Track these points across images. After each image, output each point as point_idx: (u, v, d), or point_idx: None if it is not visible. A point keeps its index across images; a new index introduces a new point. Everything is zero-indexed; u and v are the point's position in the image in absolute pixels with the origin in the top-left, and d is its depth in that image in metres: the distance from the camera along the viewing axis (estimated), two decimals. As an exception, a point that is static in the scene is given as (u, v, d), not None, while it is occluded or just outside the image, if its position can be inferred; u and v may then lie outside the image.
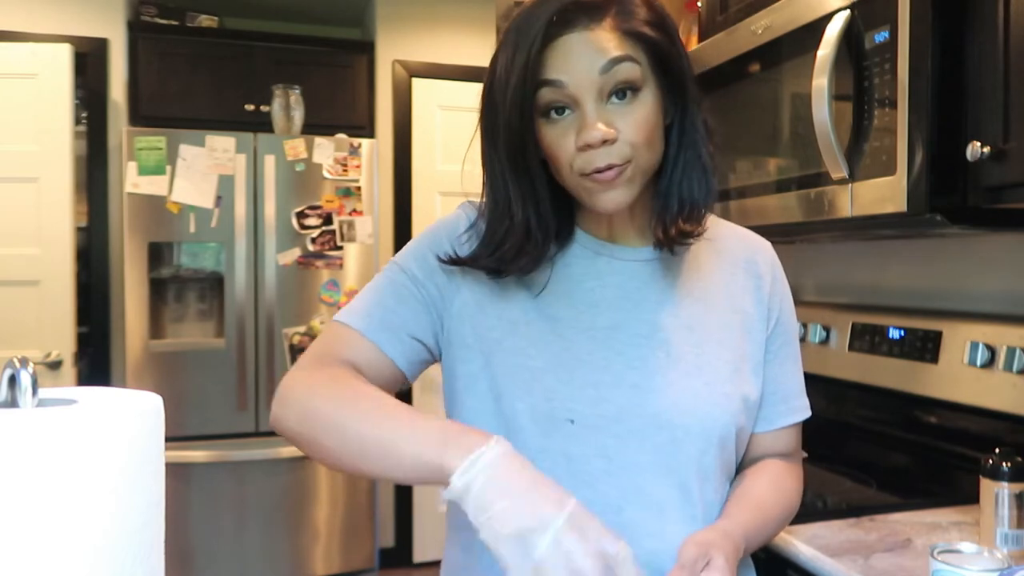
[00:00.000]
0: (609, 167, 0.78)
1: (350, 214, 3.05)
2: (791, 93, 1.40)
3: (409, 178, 3.53)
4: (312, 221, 3.01)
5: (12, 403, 0.41)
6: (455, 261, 0.85)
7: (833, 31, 1.24)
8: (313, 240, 3.01)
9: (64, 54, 2.83)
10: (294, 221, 2.99)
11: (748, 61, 1.53)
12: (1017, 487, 1.02)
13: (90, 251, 3.17)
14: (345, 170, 3.04)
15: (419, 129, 3.53)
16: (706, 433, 0.84)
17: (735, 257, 0.93)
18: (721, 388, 0.85)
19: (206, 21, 3.42)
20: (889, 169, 1.17)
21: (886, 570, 0.99)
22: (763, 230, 1.58)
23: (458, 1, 3.57)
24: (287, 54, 3.40)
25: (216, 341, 2.94)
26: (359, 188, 3.06)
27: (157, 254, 2.93)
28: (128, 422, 0.41)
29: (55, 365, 2.80)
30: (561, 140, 0.80)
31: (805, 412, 0.95)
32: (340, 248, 3.04)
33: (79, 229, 3.00)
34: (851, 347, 1.71)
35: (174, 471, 2.75)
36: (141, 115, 3.20)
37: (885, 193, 1.18)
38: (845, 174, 1.24)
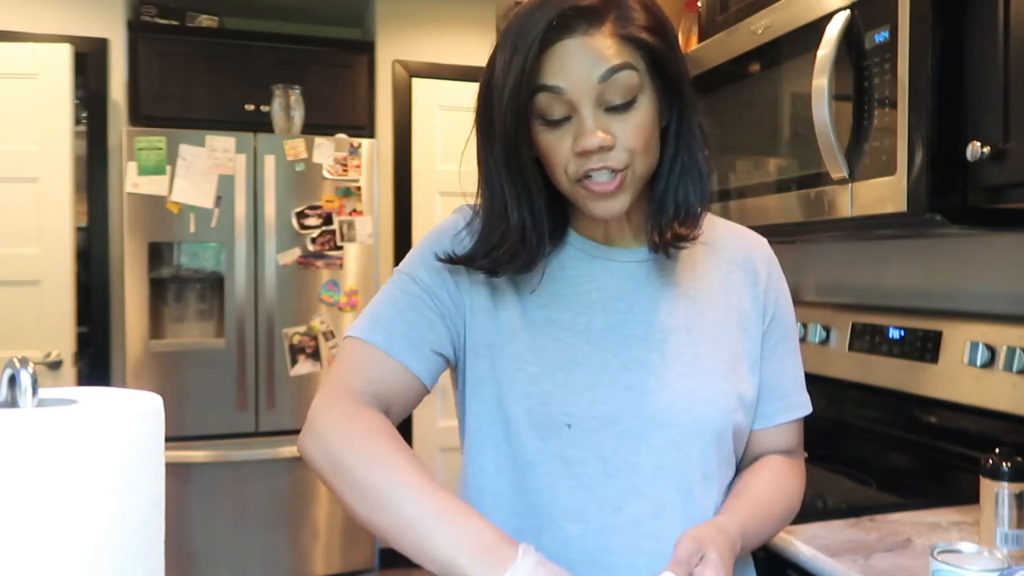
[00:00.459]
0: (605, 168, 0.78)
1: (350, 214, 3.05)
2: (791, 93, 1.40)
3: (409, 178, 3.53)
4: (312, 221, 3.01)
5: (12, 403, 0.41)
6: (452, 260, 0.85)
7: (833, 31, 1.24)
8: (313, 240, 3.01)
9: (64, 54, 2.83)
10: (294, 221, 2.99)
11: (748, 61, 1.52)
12: (1017, 487, 1.02)
13: (90, 251, 3.17)
14: (345, 170, 3.04)
15: (419, 129, 3.53)
16: (703, 432, 0.84)
17: (731, 255, 0.93)
18: (718, 387, 0.85)
19: (206, 21, 3.42)
20: (889, 169, 1.17)
21: (886, 570, 0.99)
22: (763, 230, 1.57)
23: (458, 1, 3.57)
24: (287, 54, 3.40)
25: (216, 341, 2.94)
26: (359, 188, 3.06)
27: (157, 254, 2.93)
28: (128, 422, 0.41)
29: (55, 365, 2.80)
30: (557, 145, 0.80)
31: (806, 408, 0.95)
32: (340, 248, 3.04)
33: (79, 229, 3.00)
34: (851, 347, 1.71)
35: (174, 471, 2.75)
36: (141, 115, 3.20)
37: (885, 193, 1.18)
38: (845, 174, 1.24)
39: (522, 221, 0.82)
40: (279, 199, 2.97)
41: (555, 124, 0.79)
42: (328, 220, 3.03)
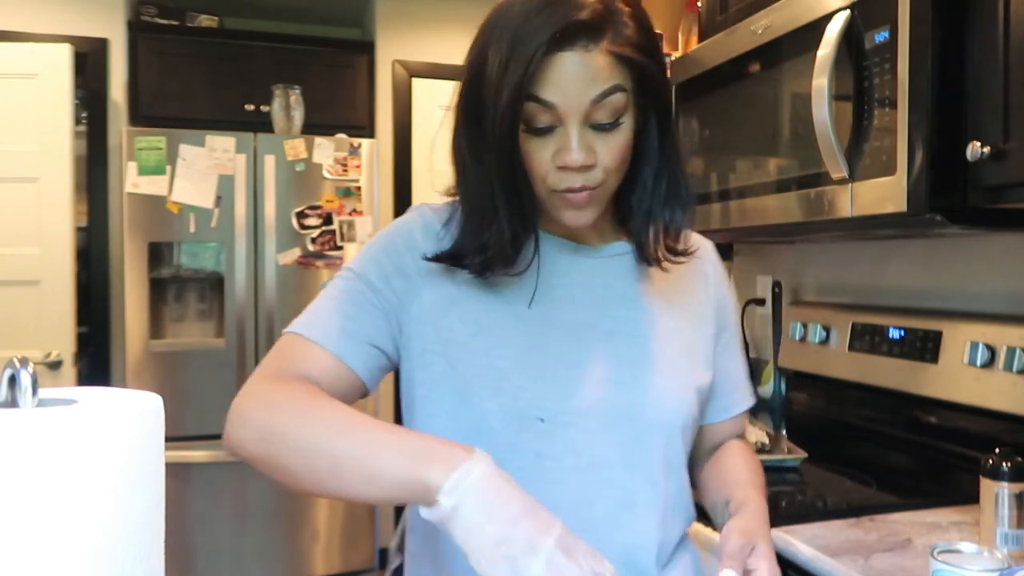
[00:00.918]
0: (583, 188, 0.80)
1: (350, 214, 3.05)
2: (791, 93, 1.40)
3: (409, 178, 3.53)
4: (312, 221, 3.01)
5: (12, 403, 0.41)
6: (440, 258, 0.84)
7: (833, 31, 1.24)
8: (313, 240, 3.01)
9: (64, 54, 2.83)
10: (294, 221, 2.99)
11: (748, 61, 1.53)
12: (1017, 487, 1.02)
13: (90, 251, 3.17)
14: (345, 170, 3.04)
15: (419, 129, 3.53)
16: (670, 425, 0.87)
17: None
18: (681, 381, 0.89)
19: (206, 21, 3.42)
20: (889, 169, 1.17)
21: (886, 570, 0.99)
22: (763, 230, 1.58)
23: (458, 1, 3.57)
24: (287, 54, 3.39)
25: (216, 341, 2.94)
26: (359, 188, 3.06)
27: (157, 254, 2.93)
28: (128, 422, 0.41)
29: (55, 365, 2.80)
30: (538, 153, 0.80)
31: (753, 398, 1.04)
32: (340, 248, 3.04)
33: (79, 229, 3.00)
34: (851, 347, 1.71)
35: (174, 471, 2.75)
36: (141, 115, 3.20)
37: (885, 193, 1.18)
38: (845, 174, 1.24)
39: (512, 223, 0.82)
40: (279, 199, 2.97)
41: (538, 132, 0.79)
42: (328, 220, 3.03)
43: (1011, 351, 1.34)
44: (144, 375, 2.84)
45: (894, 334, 1.60)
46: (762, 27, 1.47)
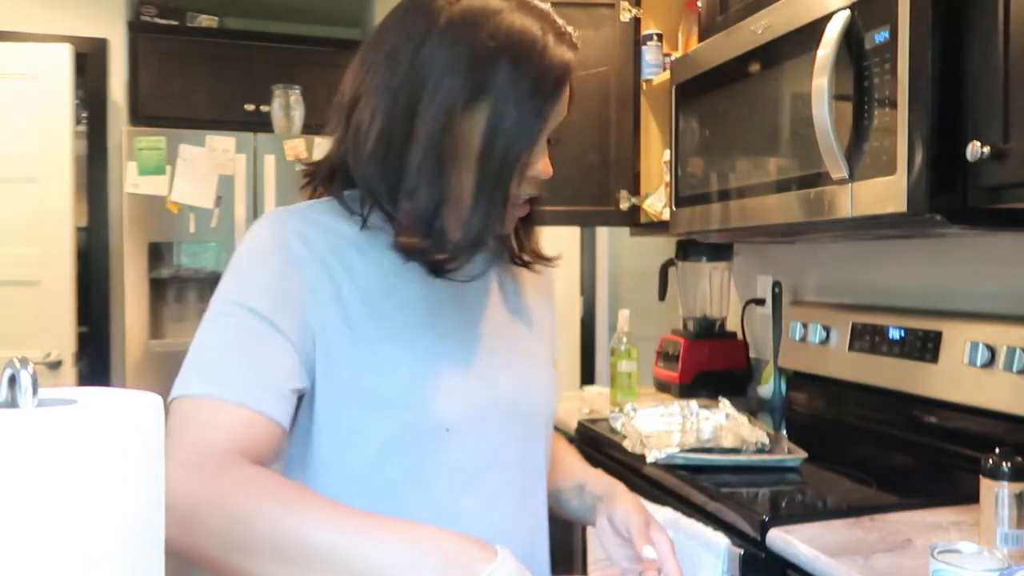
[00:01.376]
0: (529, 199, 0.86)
1: (350, 214, 3.04)
2: (791, 93, 1.40)
3: (409, 178, 3.53)
4: (312, 221, 3.01)
5: (12, 403, 0.41)
6: (409, 246, 0.80)
7: (833, 31, 1.24)
8: (313, 240, 3.01)
9: (64, 54, 2.83)
10: (294, 221, 2.99)
11: (748, 61, 1.52)
12: (1017, 487, 1.02)
13: (90, 251, 3.17)
14: (345, 170, 3.04)
15: (419, 129, 3.52)
16: (547, 419, 0.94)
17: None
18: (547, 378, 0.94)
19: (206, 21, 3.42)
20: (889, 169, 1.17)
21: (886, 570, 0.99)
22: (763, 230, 1.58)
23: (458, 1, 3.56)
24: (287, 54, 3.39)
25: (216, 341, 2.93)
26: (359, 188, 3.06)
27: (157, 254, 2.93)
28: (128, 422, 0.41)
29: (55, 365, 2.79)
30: (537, 164, 0.85)
31: None
32: (340, 248, 3.04)
33: (79, 229, 3.00)
34: (851, 347, 1.71)
35: (174, 471, 2.74)
36: (141, 115, 3.20)
37: (885, 193, 1.18)
38: (845, 174, 1.24)
39: (493, 229, 0.83)
40: (279, 199, 2.97)
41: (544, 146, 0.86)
42: (328, 220, 3.02)
43: (1011, 351, 1.34)
44: (144, 375, 2.84)
45: (894, 334, 1.60)
46: (762, 27, 1.47)
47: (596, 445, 1.71)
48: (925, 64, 1.13)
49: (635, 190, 2.24)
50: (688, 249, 2.22)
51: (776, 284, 1.98)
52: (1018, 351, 1.32)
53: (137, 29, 3.24)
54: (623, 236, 2.86)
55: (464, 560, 0.62)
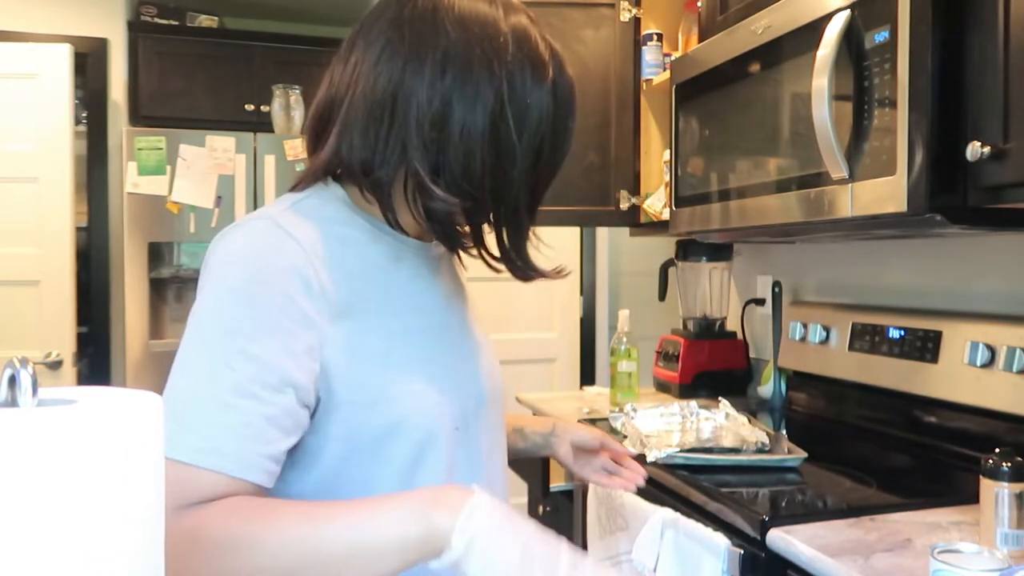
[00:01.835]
0: None
1: (350, 214, 3.04)
2: (791, 93, 1.40)
3: (409, 178, 3.53)
4: (312, 221, 3.01)
5: (12, 403, 0.41)
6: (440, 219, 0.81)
7: (833, 31, 1.24)
8: (313, 240, 3.01)
9: (64, 54, 2.83)
10: (294, 221, 2.99)
11: (748, 61, 1.52)
12: (1017, 487, 1.02)
13: (90, 251, 3.17)
14: (345, 170, 3.04)
15: (419, 129, 3.52)
16: (506, 400, 0.98)
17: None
18: (497, 361, 0.98)
19: (206, 21, 3.42)
20: (889, 169, 1.17)
21: (886, 570, 0.99)
22: (763, 230, 1.58)
23: (458, 1, 3.56)
24: (287, 54, 3.39)
25: (216, 341, 2.93)
26: (359, 188, 3.06)
27: (157, 254, 2.93)
28: (128, 422, 0.41)
29: (55, 365, 2.80)
30: None
31: None
32: (340, 248, 3.04)
33: (79, 229, 3.00)
34: (851, 347, 1.71)
35: (174, 471, 2.74)
36: (141, 115, 3.20)
37: (885, 193, 1.18)
38: (845, 174, 1.24)
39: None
40: (279, 199, 2.97)
41: None
42: (328, 220, 3.02)
43: (1011, 351, 1.34)
44: (144, 375, 2.84)
45: (894, 334, 1.60)
46: (762, 27, 1.47)
47: (596, 445, 1.71)
48: (925, 64, 1.13)
49: (635, 190, 2.24)
50: (688, 249, 2.22)
51: (776, 284, 1.98)
52: (1018, 351, 1.32)
53: (137, 29, 3.24)
54: (623, 236, 2.86)
55: (453, 498, 0.66)
